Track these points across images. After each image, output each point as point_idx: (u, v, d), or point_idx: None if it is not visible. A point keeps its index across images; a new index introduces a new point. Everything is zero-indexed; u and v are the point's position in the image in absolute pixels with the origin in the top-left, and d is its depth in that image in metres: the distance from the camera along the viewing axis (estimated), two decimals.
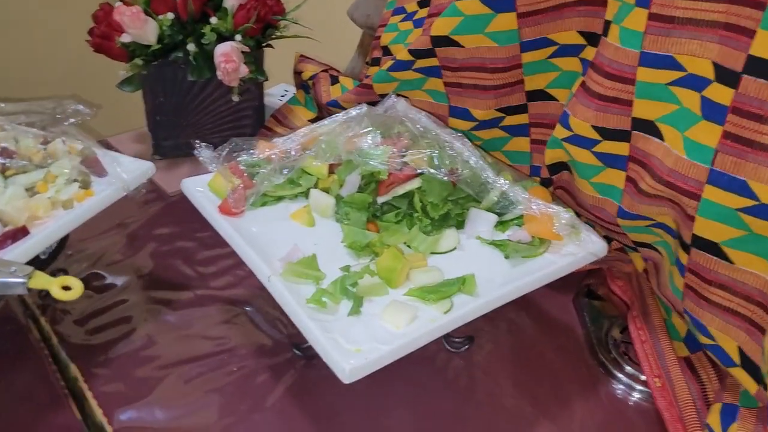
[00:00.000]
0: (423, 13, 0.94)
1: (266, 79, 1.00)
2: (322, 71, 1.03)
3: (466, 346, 0.74)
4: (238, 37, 0.93)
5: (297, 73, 1.08)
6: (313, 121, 1.04)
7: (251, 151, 0.72)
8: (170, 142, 1.03)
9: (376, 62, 1.00)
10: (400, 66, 0.82)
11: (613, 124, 0.66)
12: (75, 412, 0.67)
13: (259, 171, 0.70)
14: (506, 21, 0.73)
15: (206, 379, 0.70)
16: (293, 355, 0.72)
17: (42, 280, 0.56)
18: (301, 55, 1.09)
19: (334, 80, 1.02)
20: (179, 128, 1.02)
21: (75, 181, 0.69)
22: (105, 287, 0.80)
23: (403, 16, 0.98)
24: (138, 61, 0.94)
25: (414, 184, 0.68)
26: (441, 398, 0.69)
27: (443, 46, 0.77)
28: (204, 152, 0.70)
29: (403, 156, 0.68)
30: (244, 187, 0.69)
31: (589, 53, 0.72)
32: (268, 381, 0.69)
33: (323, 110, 1.00)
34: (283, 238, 0.66)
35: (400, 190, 0.68)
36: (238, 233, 0.65)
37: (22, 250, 0.61)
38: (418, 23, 0.95)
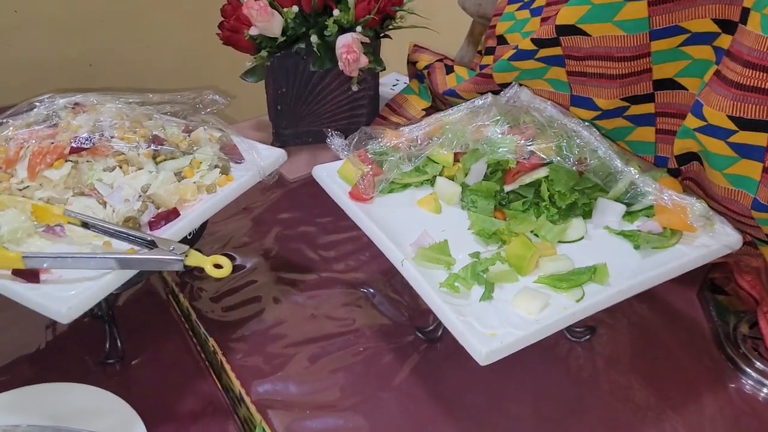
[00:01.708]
0: (541, 1, 0.93)
1: (383, 69, 1.02)
2: (437, 61, 1.05)
3: (588, 336, 0.74)
4: (359, 28, 0.96)
5: (411, 63, 1.10)
6: (427, 110, 1.06)
7: (379, 139, 0.74)
8: (290, 131, 1.07)
9: (490, 51, 1.00)
10: (522, 55, 0.82)
11: (752, 113, 0.64)
12: (216, 382, 0.72)
13: (388, 159, 0.72)
14: (636, 9, 0.72)
15: (334, 358, 0.73)
16: (416, 338, 0.74)
17: (197, 258, 0.60)
18: (415, 45, 1.10)
19: (449, 70, 1.03)
20: (299, 117, 1.06)
21: (216, 167, 0.73)
22: (235, 268, 0.85)
23: (519, 4, 0.98)
24: (263, 52, 0.99)
25: (541, 173, 0.68)
26: (562, 386, 0.70)
27: (568, 35, 0.77)
28: (335, 140, 0.73)
29: (530, 145, 0.68)
30: (373, 174, 0.71)
31: (724, 41, 0.70)
32: (393, 362, 0.72)
33: (438, 100, 1.02)
34: (411, 223, 0.68)
35: (527, 179, 0.68)
36: (369, 218, 0.67)
37: (174, 231, 0.66)
38: (535, 12, 0.94)
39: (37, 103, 0.75)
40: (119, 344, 0.73)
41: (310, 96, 1.04)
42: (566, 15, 0.76)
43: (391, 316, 0.78)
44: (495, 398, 0.68)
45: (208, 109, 0.81)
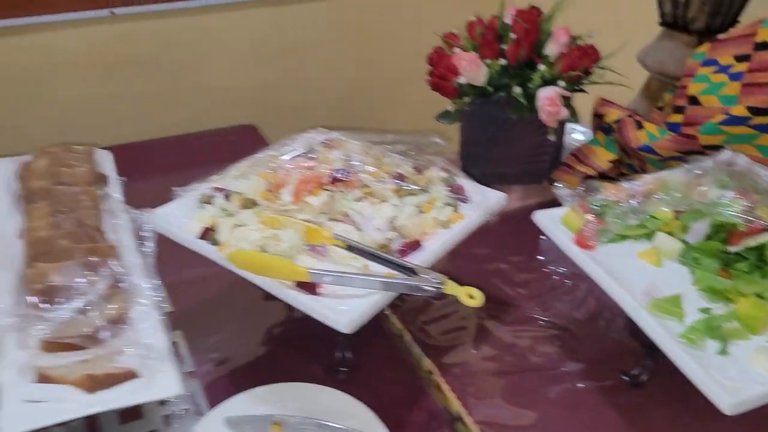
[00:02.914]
0: (740, 67, 0.97)
1: (577, 121, 1.08)
2: (627, 116, 1.10)
3: None
4: (562, 82, 1.03)
5: (597, 116, 1.15)
6: (613, 162, 1.10)
7: (600, 192, 0.80)
8: (478, 171, 1.14)
9: (680, 110, 1.04)
10: (735, 121, 0.87)
11: None
12: (436, 400, 0.79)
13: (610, 211, 0.78)
14: None
15: (540, 390, 0.79)
16: (620, 380, 0.79)
17: (452, 287, 0.68)
18: (602, 99, 1.16)
19: (639, 125, 1.08)
20: (487, 159, 1.14)
21: (448, 204, 0.81)
22: (442, 296, 0.92)
23: (715, 68, 1.02)
24: (466, 98, 1.07)
25: (765, 238, 0.72)
26: None
27: None
28: (562, 190, 0.80)
29: (754, 209, 0.72)
30: (596, 224, 0.77)
31: None
32: (597, 401, 0.77)
33: (628, 154, 1.07)
34: (634, 274, 0.73)
35: (752, 242, 0.72)
36: (597, 265, 0.73)
37: (419, 261, 0.74)
38: (735, 77, 0.98)
39: (294, 140, 0.86)
40: (349, 355, 0.81)
41: (501, 141, 1.12)
42: None
43: (592, 355, 0.83)
44: None
45: (431, 150, 0.90)
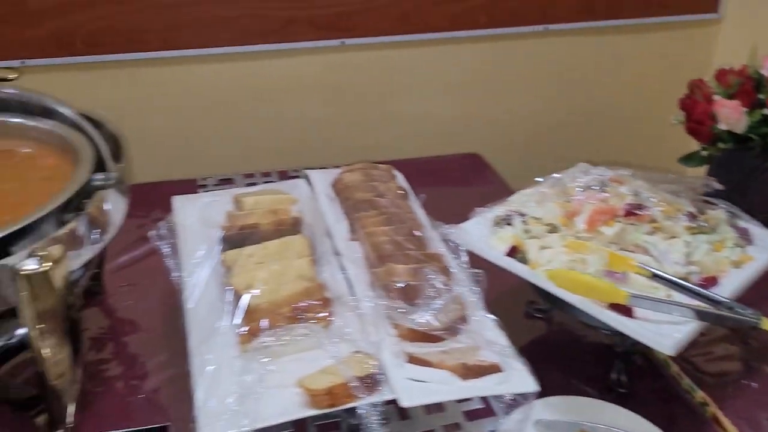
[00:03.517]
0: None
1: None
2: None
3: None
4: None
5: None
6: None
7: None
8: None
9: None
10: None
11: None
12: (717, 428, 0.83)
13: None
14: None
15: None
16: None
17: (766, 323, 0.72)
18: None
19: None
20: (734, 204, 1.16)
21: (737, 246, 0.86)
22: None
23: None
24: (720, 144, 1.11)
25: None
26: None
27: None
28: None
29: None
30: None
31: None
32: None
33: None
34: None
35: None
36: None
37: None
38: None
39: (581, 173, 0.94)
40: (624, 377, 0.86)
41: (748, 187, 1.14)
42: None
43: None
44: None
45: (698, 192, 0.95)
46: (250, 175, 1.34)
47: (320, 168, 1.03)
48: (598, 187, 0.91)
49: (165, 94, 1.38)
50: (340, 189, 0.95)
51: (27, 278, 0.63)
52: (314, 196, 0.94)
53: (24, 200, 0.74)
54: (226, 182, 1.30)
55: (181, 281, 0.80)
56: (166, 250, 0.84)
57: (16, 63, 1.24)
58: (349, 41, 1.45)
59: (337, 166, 1.02)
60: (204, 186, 1.28)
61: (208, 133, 1.45)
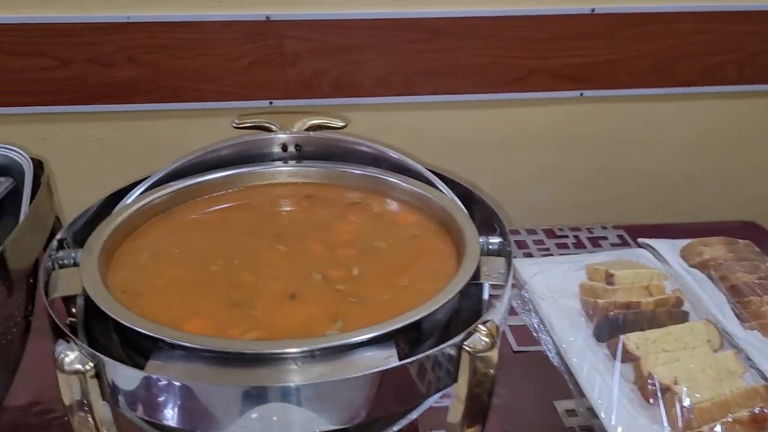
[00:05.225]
0: None
1: None
2: None
3: None
4: None
5: None
6: None
7: None
8: None
9: None
10: None
11: None
12: None
13: None
14: None
15: None
16: None
17: None
18: None
19: None
20: None
21: None
22: None
23: None
24: None
25: None
26: None
27: None
28: None
29: None
30: None
31: None
32: None
33: None
34: None
35: None
36: None
37: None
38: None
39: None
40: None
41: None
42: None
43: None
44: None
45: None
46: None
47: None
48: None
49: (404, 135, 1.34)
50: (701, 264, 0.83)
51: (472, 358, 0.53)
52: (671, 270, 0.83)
53: (409, 261, 0.65)
54: None
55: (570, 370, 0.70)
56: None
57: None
58: (587, 93, 1.38)
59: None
60: None
61: None
